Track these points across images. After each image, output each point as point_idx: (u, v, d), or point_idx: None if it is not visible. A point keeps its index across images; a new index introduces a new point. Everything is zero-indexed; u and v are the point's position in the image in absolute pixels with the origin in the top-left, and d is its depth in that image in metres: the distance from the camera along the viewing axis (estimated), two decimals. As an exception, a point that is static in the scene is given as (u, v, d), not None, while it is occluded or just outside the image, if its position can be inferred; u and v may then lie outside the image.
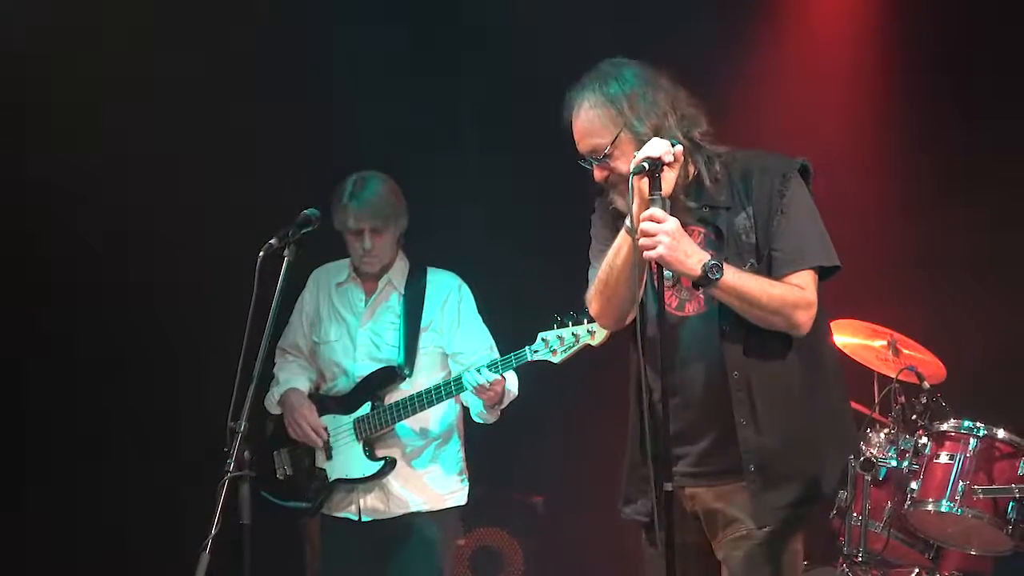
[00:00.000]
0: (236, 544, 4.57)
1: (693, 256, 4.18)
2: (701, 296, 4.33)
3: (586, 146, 4.38)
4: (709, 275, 4.16)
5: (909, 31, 7.57)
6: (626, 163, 4.27)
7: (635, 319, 4.29)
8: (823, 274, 4.36)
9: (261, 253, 4.77)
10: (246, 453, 4.58)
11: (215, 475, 4.57)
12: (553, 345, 5.40)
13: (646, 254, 4.15)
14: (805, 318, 4.27)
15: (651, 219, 4.15)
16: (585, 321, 5.34)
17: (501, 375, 5.54)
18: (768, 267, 4.31)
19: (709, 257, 4.19)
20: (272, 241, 4.83)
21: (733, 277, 4.20)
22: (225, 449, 4.58)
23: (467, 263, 6.08)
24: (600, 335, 5.30)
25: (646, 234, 4.14)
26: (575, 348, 5.39)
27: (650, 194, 4.17)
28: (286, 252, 4.84)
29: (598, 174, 4.39)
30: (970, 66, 7.36)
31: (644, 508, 4.37)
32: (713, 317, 4.33)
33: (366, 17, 7.67)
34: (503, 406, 5.73)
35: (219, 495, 4.51)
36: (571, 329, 5.38)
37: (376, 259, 5.86)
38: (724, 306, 4.28)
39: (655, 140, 4.22)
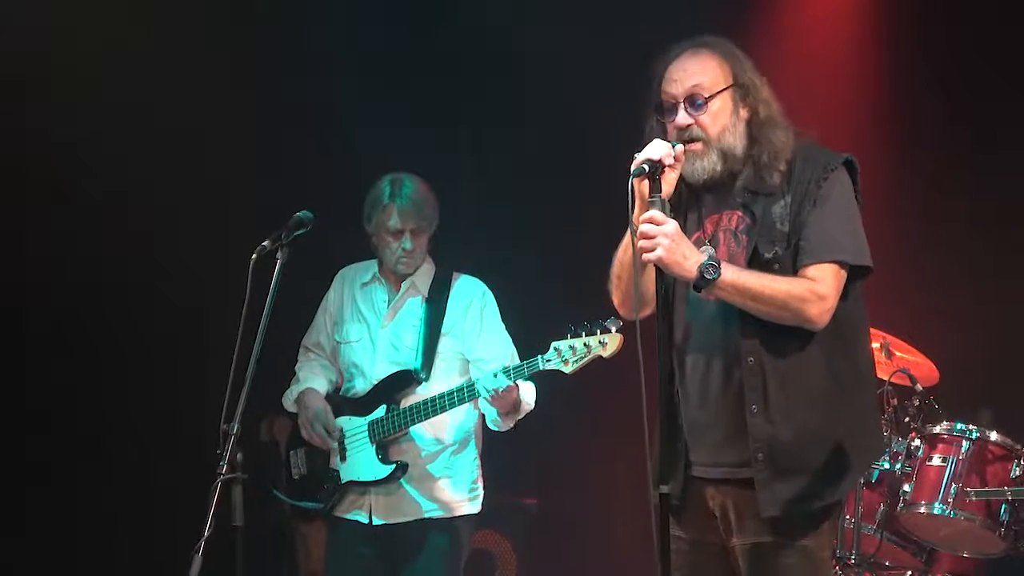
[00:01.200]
0: (229, 546, 4.59)
1: (691, 258, 4.16)
2: None
3: (688, 85, 4.32)
4: (705, 275, 4.14)
5: (905, 28, 7.58)
6: (713, 122, 4.30)
7: (656, 308, 4.23)
8: (855, 274, 4.30)
9: (254, 255, 4.76)
10: (239, 455, 4.58)
11: (209, 477, 4.56)
12: (565, 355, 5.36)
13: (645, 256, 4.15)
14: (816, 311, 4.20)
15: (651, 221, 4.15)
16: (598, 332, 5.29)
17: (514, 383, 5.53)
18: (793, 257, 4.27)
19: (707, 258, 4.17)
20: (265, 243, 4.82)
21: (733, 275, 4.18)
22: (218, 451, 4.57)
23: (480, 270, 6.06)
24: (612, 346, 5.27)
25: (645, 236, 4.14)
26: (587, 359, 5.34)
27: (650, 196, 4.17)
28: (279, 254, 4.83)
29: (683, 119, 4.32)
30: (965, 65, 7.36)
31: (674, 491, 4.29)
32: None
33: (367, 17, 7.70)
34: (519, 415, 5.70)
35: (212, 497, 4.51)
36: (583, 340, 5.33)
37: (414, 260, 5.85)
38: None
39: (656, 142, 4.23)
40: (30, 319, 7.38)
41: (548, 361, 5.41)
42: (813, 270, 4.23)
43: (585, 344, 5.32)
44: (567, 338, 5.37)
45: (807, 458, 4.27)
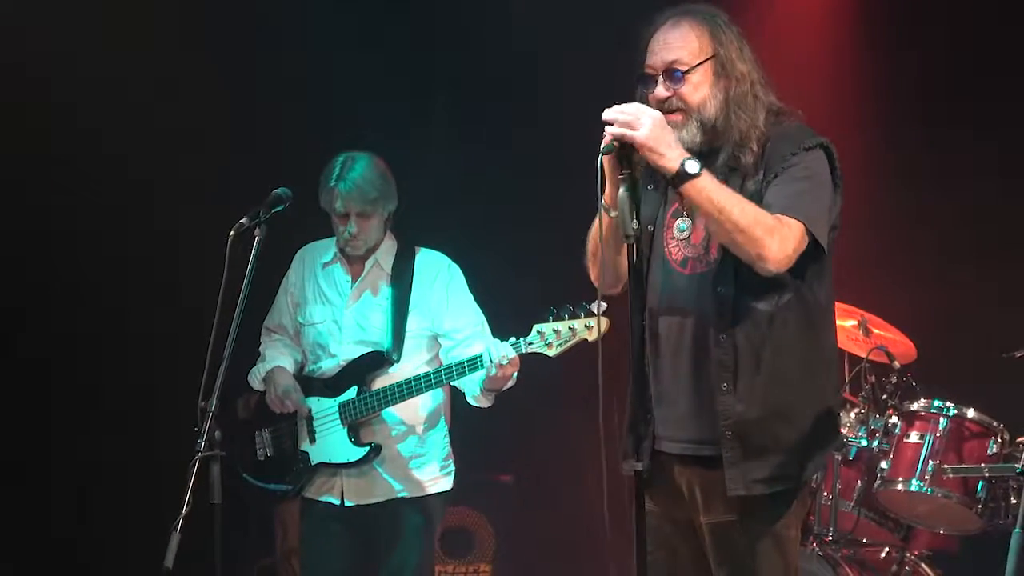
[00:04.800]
0: (207, 523, 4.58)
1: (676, 149, 4.09)
2: (704, 256, 4.28)
3: (665, 58, 4.28)
4: (686, 168, 4.06)
5: (888, 23, 7.61)
6: (693, 93, 4.25)
7: (631, 278, 4.16)
8: (810, 253, 4.21)
9: (232, 232, 4.76)
10: (217, 433, 4.57)
11: (187, 454, 4.56)
12: (549, 338, 5.30)
13: (627, 133, 4.05)
14: (776, 249, 4.09)
15: (636, 108, 4.10)
16: (582, 315, 5.25)
17: (517, 355, 5.42)
18: None
19: (690, 156, 4.10)
20: (243, 220, 4.81)
21: (710, 182, 4.09)
22: (196, 429, 4.57)
23: (457, 252, 6.00)
24: (598, 330, 5.25)
25: (625, 113, 4.07)
26: (571, 342, 5.30)
27: (620, 173, 4.10)
28: (257, 231, 4.82)
29: (662, 92, 4.28)
30: (951, 55, 7.39)
31: (643, 465, 4.22)
32: (709, 279, 4.27)
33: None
34: (500, 391, 5.67)
35: (190, 475, 4.50)
36: (568, 323, 5.28)
37: (361, 243, 5.77)
38: (722, 268, 4.22)
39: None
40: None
41: (530, 344, 5.36)
42: (782, 217, 4.15)
43: (570, 328, 5.28)
44: (549, 321, 5.33)
45: (775, 438, 4.27)
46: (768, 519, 4.30)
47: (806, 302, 4.28)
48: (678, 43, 4.30)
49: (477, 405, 5.75)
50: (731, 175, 4.28)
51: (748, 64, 4.33)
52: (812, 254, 4.23)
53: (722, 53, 4.30)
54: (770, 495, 4.28)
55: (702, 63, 4.28)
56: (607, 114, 4.13)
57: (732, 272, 4.24)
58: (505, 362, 5.39)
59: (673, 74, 4.28)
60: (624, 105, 4.13)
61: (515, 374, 5.59)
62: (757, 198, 4.21)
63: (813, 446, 4.33)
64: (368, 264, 5.84)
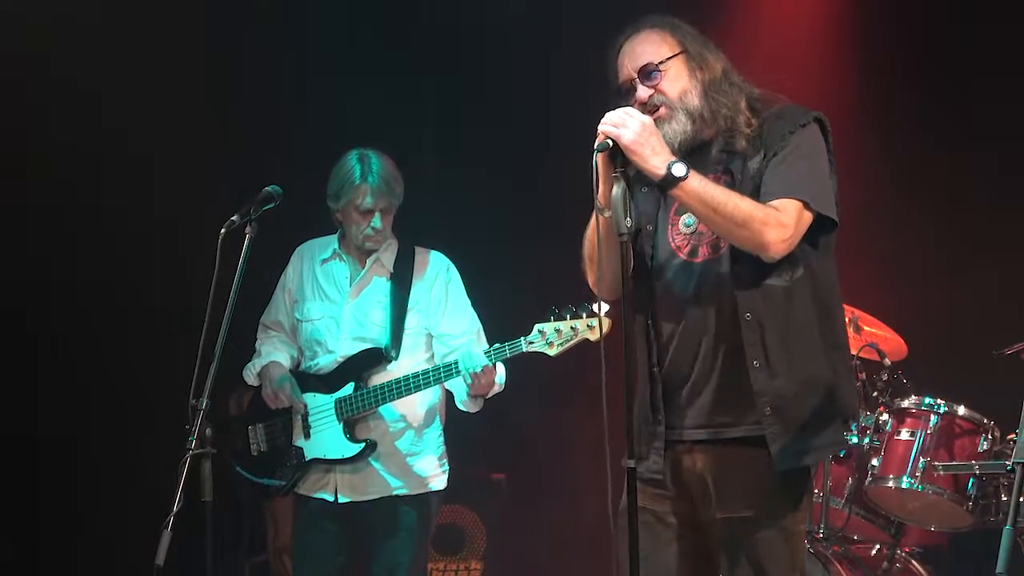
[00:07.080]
0: (199, 521, 4.59)
1: (661, 154, 4.15)
2: (715, 240, 4.28)
3: (636, 65, 4.35)
4: (673, 171, 4.12)
5: (873, 20, 7.62)
6: (672, 86, 4.31)
7: (624, 279, 4.17)
8: (820, 227, 4.27)
9: (223, 230, 4.77)
10: (208, 430, 4.58)
11: (178, 452, 4.56)
12: (550, 338, 5.32)
13: (613, 133, 4.12)
14: (774, 236, 4.15)
15: (624, 112, 4.17)
16: (584, 315, 5.26)
17: (493, 364, 5.49)
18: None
19: (677, 159, 4.15)
20: (234, 218, 4.83)
21: (699, 183, 4.15)
22: (187, 426, 4.58)
23: (461, 250, 6.03)
24: (600, 329, 5.25)
25: (615, 115, 4.15)
26: (573, 342, 5.31)
27: (614, 171, 4.13)
28: (248, 229, 4.83)
29: (642, 93, 4.33)
30: (939, 55, 7.41)
31: (656, 466, 4.32)
32: (724, 262, 4.28)
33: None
34: (488, 396, 5.69)
35: (180, 472, 4.50)
36: (570, 323, 5.29)
37: (383, 238, 5.80)
38: (735, 250, 4.23)
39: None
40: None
41: (531, 343, 5.37)
42: (777, 203, 4.20)
43: (572, 327, 5.29)
44: (551, 320, 5.33)
45: (811, 408, 4.26)
46: (780, 514, 4.30)
47: (817, 277, 4.30)
48: (645, 47, 4.38)
49: (465, 410, 5.75)
50: (731, 159, 4.32)
51: (718, 56, 4.40)
52: (822, 225, 4.28)
53: (690, 48, 4.37)
54: (783, 488, 4.28)
55: (673, 57, 4.35)
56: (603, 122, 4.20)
57: (746, 252, 4.24)
58: (478, 370, 5.44)
59: (648, 73, 4.34)
60: (618, 110, 4.18)
61: (502, 379, 5.63)
62: (759, 178, 4.26)
63: (837, 418, 4.35)
64: (369, 261, 5.86)
